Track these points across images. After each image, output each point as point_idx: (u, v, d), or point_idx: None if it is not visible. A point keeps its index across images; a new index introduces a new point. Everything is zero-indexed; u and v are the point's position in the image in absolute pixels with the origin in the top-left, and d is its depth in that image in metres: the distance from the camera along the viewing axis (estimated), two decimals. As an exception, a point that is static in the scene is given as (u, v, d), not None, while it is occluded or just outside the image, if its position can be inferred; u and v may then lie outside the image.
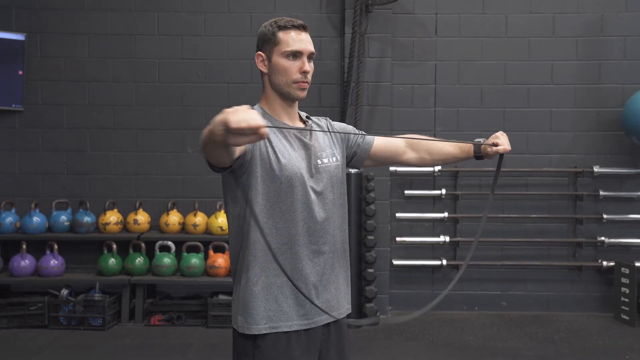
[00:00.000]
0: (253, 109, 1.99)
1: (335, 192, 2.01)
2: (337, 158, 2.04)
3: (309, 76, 1.96)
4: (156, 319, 5.09)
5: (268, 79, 1.98)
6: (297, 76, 1.93)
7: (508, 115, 5.60)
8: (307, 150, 1.96)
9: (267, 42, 1.96)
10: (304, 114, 2.08)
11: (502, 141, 2.11)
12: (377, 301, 5.27)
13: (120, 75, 5.58)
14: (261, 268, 1.89)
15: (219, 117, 1.48)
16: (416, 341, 4.74)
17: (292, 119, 2.01)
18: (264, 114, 1.97)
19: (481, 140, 2.16)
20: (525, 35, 5.58)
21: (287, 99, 1.97)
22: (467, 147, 2.18)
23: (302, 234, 1.91)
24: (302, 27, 1.96)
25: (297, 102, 2.01)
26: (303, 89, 1.95)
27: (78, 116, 5.56)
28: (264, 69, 1.98)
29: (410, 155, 2.21)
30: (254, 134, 1.44)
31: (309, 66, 1.94)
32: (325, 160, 1.99)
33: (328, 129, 2.11)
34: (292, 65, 1.92)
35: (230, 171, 1.85)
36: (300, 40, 1.93)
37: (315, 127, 2.06)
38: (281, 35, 1.93)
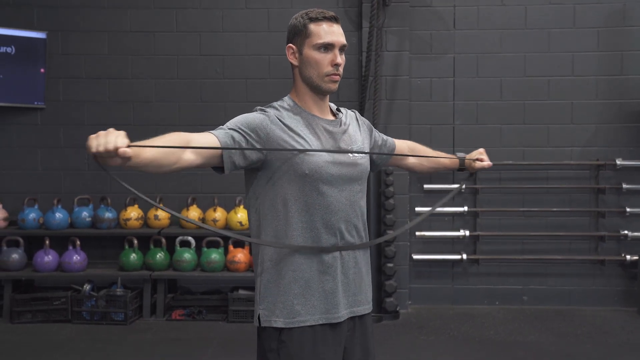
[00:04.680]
0: (281, 100, 1.99)
1: (362, 186, 2.01)
2: (366, 151, 2.04)
3: (341, 69, 1.94)
4: (177, 314, 5.14)
5: (299, 71, 1.95)
6: (329, 69, 1.90)
7: (528, 107, 5.55)
8: (336, 142, 1.95)
9: (298, 34, 1.93)
10: (334, 106, 2.07)
11: (484, 157, 2.42)
12: (396, 296, 5.26)
13: (139, 71, 5.62)
14: (287, 262, 1.88)
15: (87, 143, 1.51)
16: (436, 336, 4.72)
17: (323, 111, 1.99)
18: (294, 107, 1.95)
19: (464, 155, 2.45)
20: (545, 26, 5.52)
21: (319, 92, 1.94)
22: (455, 160, 2.44)
23: (330, 227, 1.89)
24: (333, 19, 1.93)
25: (328, 95, 2.00)
26: (335, 82, 1.93)
27: (98, 113, 5.62)
28: (295, 62, 1.95)
29: (412, 159, 2.37)
30: (116, 156, 1.48)
31: (340, 59, 1.92)
32: (357, 154, 1.99)
33: (357, 122, 2.11)
34: (324, 58, 1.90)
35: (249, 168, 1.86)
36: (332, 33, 1.91)
37: (344, 119, 2.05)
38: (312, 27, 1.91)
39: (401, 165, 2.38)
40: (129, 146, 1.50)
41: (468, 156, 2.42)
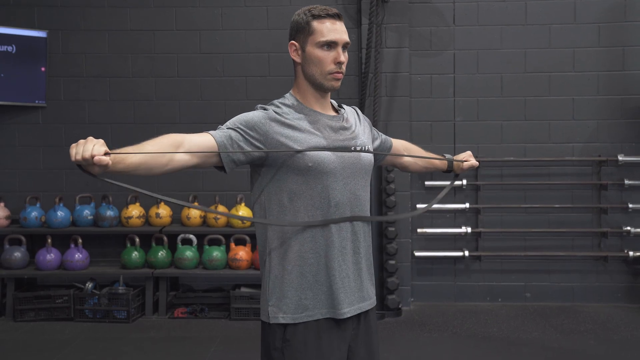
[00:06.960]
0: (283, 97, 1.98)
1: (366, 180, 2.00)
2: (369, 147, 2.03)
3: (344, 66, 1.93)
4: (179, 312, 5.14)
5: (301, 69, 1.94)
6: (332, 67, 1.89)
7: (529, 104, 5.54)
8: (340, 137, 1.94)
9: (301, 32, 1.92)
10: (335, 103, 2.06)
11: (471, 158, 2.41)
12: (399, 293, 5.26)
13: (140, 70, 5.63)
14: (295, 257, 1.87)
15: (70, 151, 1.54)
16: (439, 333, 4.71)
17: (325, 108, 1.99)
18: (297, 103, 1.94)
19: (451, 156, 2.43)
20: (546, 22, 5.50)
21: (321, 89, 1.93)
22: (444, 162, 2.41)
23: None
24: (337, 16, 1.92)
25: (330, 92, 1.99)
26: (338, 80, 1.92)
27: (99, 111, 5.62)
28: (298, 59, 1.94)
29: (407, 159, 2.35)
30: (94, 164, 1.51)
31: (343, 56, 1.91)
32: (359, 149, 1.98)
33: (359, 117, 2.11)
34: (327, 56, 1.89)
35: (251, 164, 1.87)
36: (335, 30, 1.89)
37: (347, 115, 2.04)
38: (315, 24, 1.89)
39: (395, 164, 2.37)
40: (107, 154, 1.53)
41: (456, 157, 2.41)
